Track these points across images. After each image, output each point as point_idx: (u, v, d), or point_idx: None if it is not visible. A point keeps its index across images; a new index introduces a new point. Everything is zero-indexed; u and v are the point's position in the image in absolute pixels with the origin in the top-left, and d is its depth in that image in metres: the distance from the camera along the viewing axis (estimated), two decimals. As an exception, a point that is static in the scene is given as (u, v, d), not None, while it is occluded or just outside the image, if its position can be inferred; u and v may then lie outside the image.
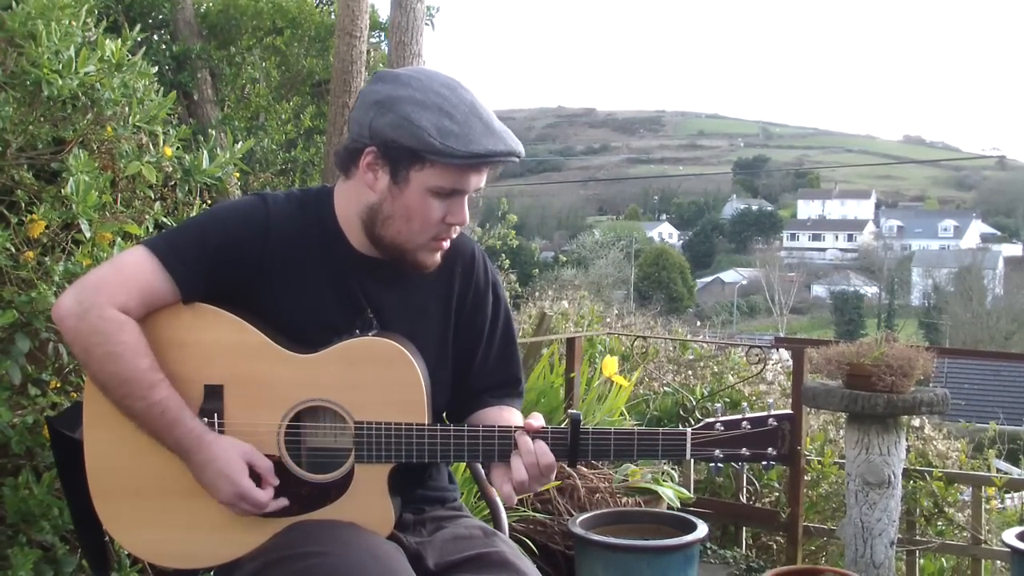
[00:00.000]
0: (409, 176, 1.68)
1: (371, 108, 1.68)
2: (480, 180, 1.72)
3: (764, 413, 1.73)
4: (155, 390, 1.64)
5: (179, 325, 1.71)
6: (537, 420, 1.73)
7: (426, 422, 1.71)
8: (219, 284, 1.72)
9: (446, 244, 1.78)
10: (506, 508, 2.13)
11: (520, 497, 1.77)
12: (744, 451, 1.72)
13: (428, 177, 1.67)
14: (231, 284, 1.72)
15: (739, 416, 1.73)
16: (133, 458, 1.71)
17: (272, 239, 1.74)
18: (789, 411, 1.79)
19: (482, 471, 2.17)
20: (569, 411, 1.75)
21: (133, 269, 1.68)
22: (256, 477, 1.68)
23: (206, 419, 1.69)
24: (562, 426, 1.72)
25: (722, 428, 1.72)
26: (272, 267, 1.74)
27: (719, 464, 1.74)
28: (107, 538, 1.81)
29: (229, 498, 1.67)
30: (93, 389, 1.71)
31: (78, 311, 1.64)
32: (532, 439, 1.70)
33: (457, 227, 1.77)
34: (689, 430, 1.72)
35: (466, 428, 1.72)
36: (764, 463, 1.74)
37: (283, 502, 1.70)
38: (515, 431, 1.71)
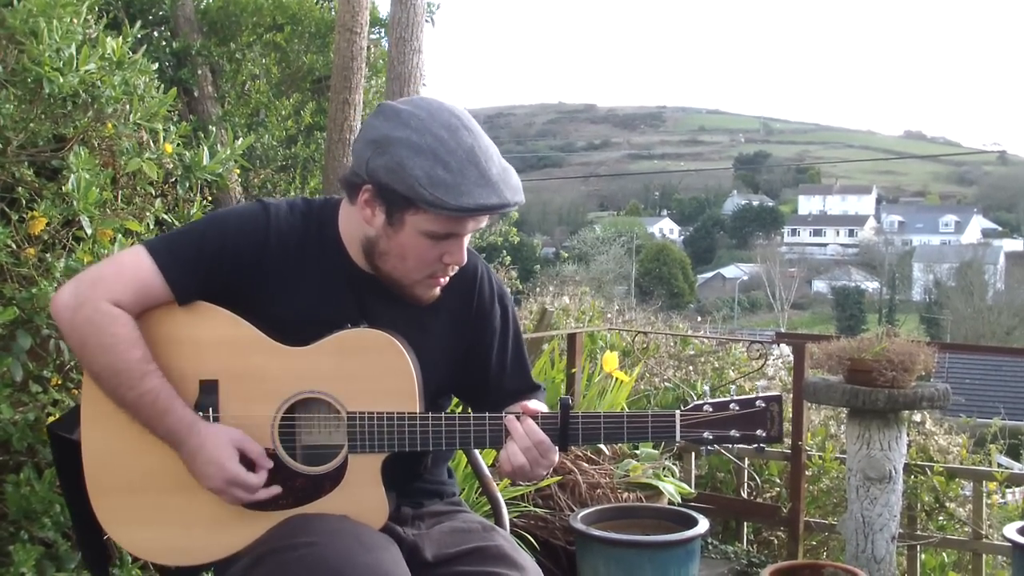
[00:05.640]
0: (404, 218, 1.67)
1: (369, 146, 1.66)
2: (478, 224, 1.72)
3: (752, 395, 1.72)
4: (146, 379, 1.65)
5: (174, 321, 1.72)
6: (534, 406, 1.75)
7: (418, 410, 1.72)
8: (214, 289, 1.73)
9: (443, 281, 1.78)
10: (507, 502, 2.13)
11: (522, 492, 1.77)
12: (734, 432, 1.71)
13: (421, 222, 1.67)
14: (226, 289, 1.73)
15: (727, 398, 1.72)
16: (129, 456, 1.72)
17: (271, 249, 1.75)
18: (776, 393, 1.78)
19: (483, 465, 2.18)
20: (560, 397, 1.75)
21: (130, 267, 1.70)
22: (248, 464, 1.68)
23: (201, 413, 1.70)
24: (552, 411, 1.73)
25: (711, 409, 1.71)
26: (268, 276, 1.75)
27: (710, 448, 1.72)
28: (106, 537, 1.82)
29: (219, 484, 1.67)
30: (90, 389, 1.72)
31: (74, 304, 1.67)
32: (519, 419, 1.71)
33: (455, 266, 1.77)
34: (678, 411, 1.72)
35: (457, 415, 1.73)
36: (756, 447, 1.72)
37: (275, 490, 1.70)
38: (504, 417, 1.72)
